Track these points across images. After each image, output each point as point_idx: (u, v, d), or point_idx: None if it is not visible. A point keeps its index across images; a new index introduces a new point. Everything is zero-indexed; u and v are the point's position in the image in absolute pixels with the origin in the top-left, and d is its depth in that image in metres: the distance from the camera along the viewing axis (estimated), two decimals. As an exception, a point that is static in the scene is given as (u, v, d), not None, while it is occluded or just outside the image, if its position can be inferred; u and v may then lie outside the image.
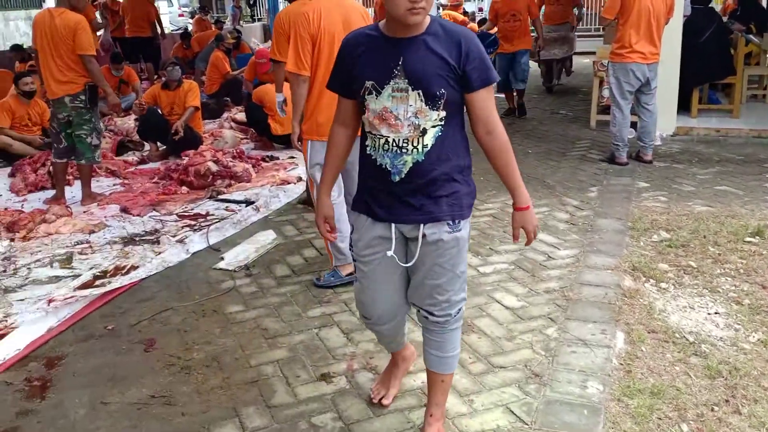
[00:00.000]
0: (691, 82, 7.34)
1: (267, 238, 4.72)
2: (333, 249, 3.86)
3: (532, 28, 8.89)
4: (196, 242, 4.62)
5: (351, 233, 2.39)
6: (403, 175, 2.15)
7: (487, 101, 2.19)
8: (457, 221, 2.25)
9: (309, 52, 3.56)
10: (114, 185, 6.16)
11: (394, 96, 2.09)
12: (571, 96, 10.24)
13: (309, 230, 4.82)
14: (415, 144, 2.13)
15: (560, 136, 7.44)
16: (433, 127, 2.13)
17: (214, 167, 5.97)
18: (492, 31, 8.77)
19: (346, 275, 3.83)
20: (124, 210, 5.35)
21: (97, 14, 10.75)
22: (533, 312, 3.52)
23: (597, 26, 16.17)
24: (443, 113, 2.13)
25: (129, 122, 8.28)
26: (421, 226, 2.20)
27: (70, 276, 4.14)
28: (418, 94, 2.08)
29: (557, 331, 3.31)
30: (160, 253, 4.45)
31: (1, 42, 18.57)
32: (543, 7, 10.40)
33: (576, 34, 11.11)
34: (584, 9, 13.73)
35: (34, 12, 20.48)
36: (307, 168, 3.86)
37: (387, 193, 2.20)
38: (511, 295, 3.73)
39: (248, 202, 5.49)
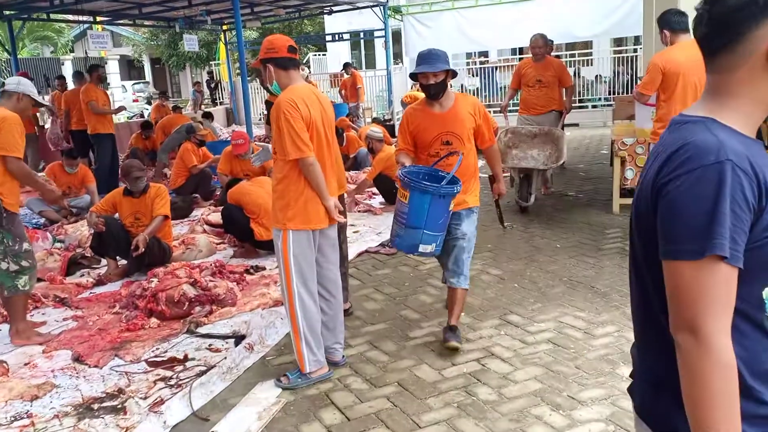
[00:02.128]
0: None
1: (270, 395, 3.59)
2: (308, 353, 3.66)
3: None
4: (176, 408, 3.47)
5: None
6: None
7: None
8: None
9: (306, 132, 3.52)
10: (64, 320, 4.97)
11: None
12: (570, 175, 9.29)
13: (322, 382, 3.72)
14: None
15: (584, 225, 6.55)
16: None
17: (191, 291, 4.85)
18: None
19: (316, 376, 3.70)
20: (78, 359, 4.17)
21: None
22: None
23: (583, 97, 15.68)
24: None
25: (82, 229, 7.13)
26: None
27: (0, 482, 2.94)
28: None
29: None
30: (128, 429, 3.28)
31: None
32: (520, 91, 7.84)
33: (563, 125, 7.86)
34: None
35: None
36: (286, 265, 3.59)
37: None
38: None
39: (237, 337, 4.37)
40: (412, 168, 3.89)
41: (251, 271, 5.72)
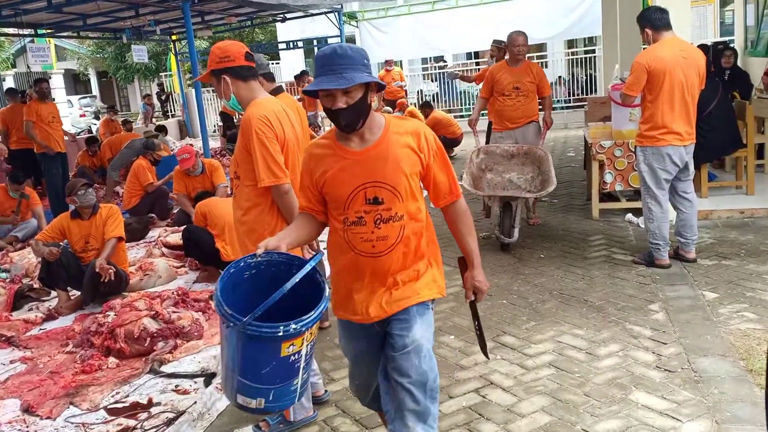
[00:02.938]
0: (699, 159, 6.40)
1: (250, 444, 3.20)
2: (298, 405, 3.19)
3: None
4: (143, 466, 3.05)
5: None
6: None
7: None
8: None
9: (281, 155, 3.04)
10: (11, 362, 4.46)
11: None
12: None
13: (306, 425, 3.33)
14: None
15: (565, 232, 6.29)
16: None
17: (152, 325, 4.40)
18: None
19: (300, 420, 3.28)
20: (28, 409, 3.70)
21: None
22: None
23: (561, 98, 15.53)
24: None
25: (29, 257, 6.58)
26: None
27: None
28: None
29: None
30: (87, 497, 2.85)
31: None
32: (489, 102, 6.55)
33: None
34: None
35: None
36: None
37: None
38: None
39: (207, 376, 3.95)
40: (275, 256, 2.30)
41: (217, 297, 5.28)
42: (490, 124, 6.90)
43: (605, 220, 6.53)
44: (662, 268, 5.03)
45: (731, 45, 10.28)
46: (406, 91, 15.68)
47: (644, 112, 4.96)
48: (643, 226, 5.69)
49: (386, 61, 15.48)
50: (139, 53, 12.63)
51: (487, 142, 7.15)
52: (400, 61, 20.24)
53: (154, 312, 4.51)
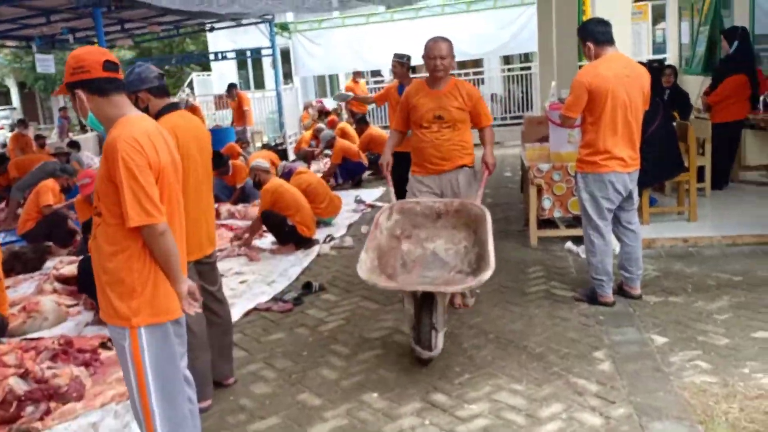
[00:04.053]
0: (641, 184, 6.06)
1: None
2: None
3: None
4: None
5: None
6: None
7: None
8: None
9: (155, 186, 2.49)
10: None
11: None
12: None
13: None
14: None
15: (502, 262, 5.77)
16: None
17: (20, 386, 3.69)
18: None
19: None
20: None
21: None
22: None
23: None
24: None
25: None
26: None
27: None
28: None
29: None
30: None
31: None
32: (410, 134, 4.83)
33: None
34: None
35: None
36: (141, 377, 2.53)
37: None
38: None
39: (80, 452, 3.29)
40: None
41: (108, 345, 4.59)
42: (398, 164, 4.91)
43: (544, 248, 6.12)
44: (606, 305, 4.62)
45: (666, 63, 10.18)
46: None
47: (584, 135, 4.55)
48: (583, 255, 5.30)
49: (355, 72, 15.07)
50: (45, 63, 11.64)
51: (399, 194, 4.91)
52: (336, 75, 19.73)
53: (23, 369, 3.81)
